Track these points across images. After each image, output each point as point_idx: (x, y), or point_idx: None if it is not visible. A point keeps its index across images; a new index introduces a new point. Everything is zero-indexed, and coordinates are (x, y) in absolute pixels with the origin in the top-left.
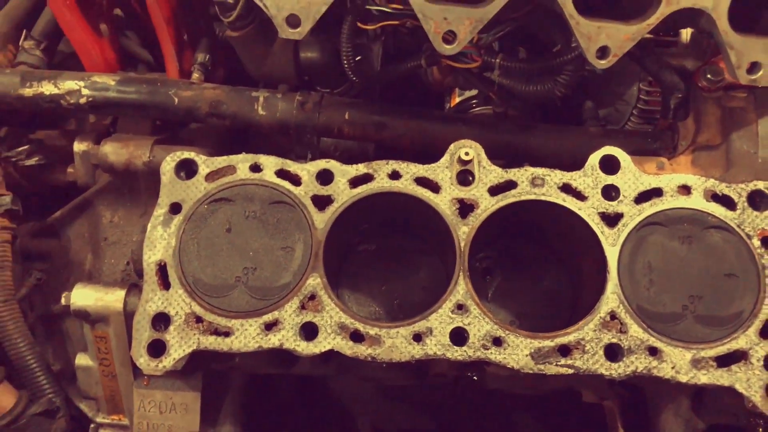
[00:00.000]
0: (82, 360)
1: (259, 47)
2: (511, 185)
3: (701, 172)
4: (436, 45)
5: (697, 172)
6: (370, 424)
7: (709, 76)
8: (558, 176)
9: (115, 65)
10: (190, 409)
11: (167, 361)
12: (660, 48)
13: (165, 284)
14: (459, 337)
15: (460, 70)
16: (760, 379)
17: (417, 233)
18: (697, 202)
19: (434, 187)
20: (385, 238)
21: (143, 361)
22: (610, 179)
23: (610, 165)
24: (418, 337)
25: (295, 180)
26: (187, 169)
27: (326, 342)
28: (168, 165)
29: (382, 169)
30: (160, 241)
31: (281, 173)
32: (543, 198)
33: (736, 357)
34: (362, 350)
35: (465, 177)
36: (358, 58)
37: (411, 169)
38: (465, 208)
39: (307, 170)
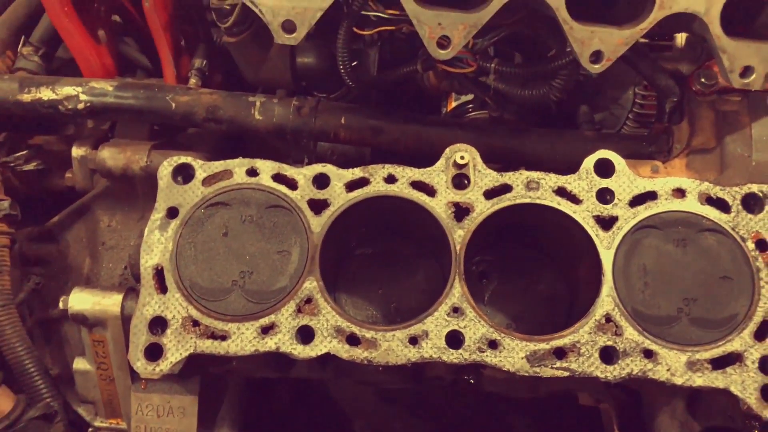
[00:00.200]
0: (79, 364)
1: (256, 53)
2: (506, 189)
3: (696, 176)
4: (430, 50)
5: (692, 175)
6: (367, 427)
7: (702, 80)
8: (553, 180)
9: (113, 71)
10: (187, 413)
11: (164, 365)
12: (655, 52)
13: (162, 288)
14: (455, 340)
15: (456, 75)
16: (755, 381)
17: (413, 237)
18: (691, 205)
19: (430, 191)
20: (382, 242)
21: (140, 364)
22: (605, 182)
23: (604, 168)
24: (414, 340)
25: (292, 184)
26: (184, 174)
27: (322, 345)
28: (165, 169)
29: (378, 173)
30: (157, 246)
31: (278, 177)
32: (538, 201)
33: (731, 359)
34: (358, 353)
35: (460, 181)
36: (355, 63)
37: (407, 173)
38: (460, 211)
39: (303, 174)
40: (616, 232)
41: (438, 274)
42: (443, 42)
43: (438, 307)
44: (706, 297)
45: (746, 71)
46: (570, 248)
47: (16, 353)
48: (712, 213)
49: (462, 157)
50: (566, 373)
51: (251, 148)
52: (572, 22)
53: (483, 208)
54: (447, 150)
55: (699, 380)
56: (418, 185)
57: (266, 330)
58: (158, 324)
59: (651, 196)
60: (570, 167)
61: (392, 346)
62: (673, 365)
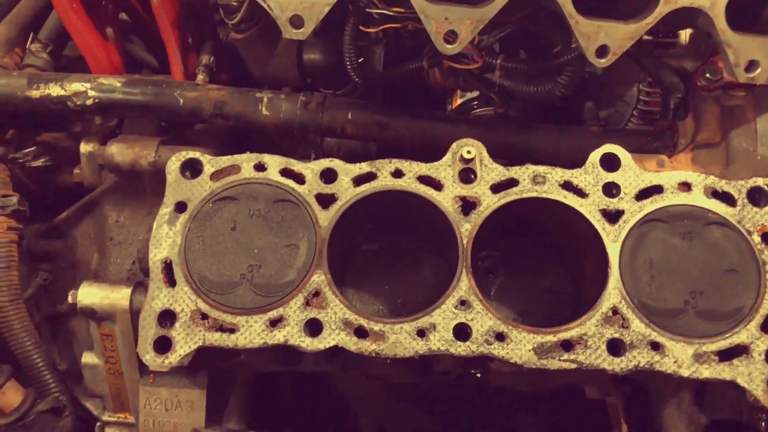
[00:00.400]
0: (88, 358)
1: (263, 49)
2: (512, 183)
3: (701, 170)
4: (437, 45)
5: (697, 169)
6: (373, 423)
7: (707, 75)
8: (559, 174)
9: (120, 68)
10: (195, 407)
11: (173, 357)
12: (659, 49)
13: (171, 282)
14: (462, 332)
15: (461, 72)
16: (761, 372)
17: (419, 232)
18: (697, 198)
19: (437, 185)
20: (389, 238)
21: (149, 357)
22: (611, 176)
23: (610, 162)
24: (421, 333)
25: (300, 179)
26: (192, 169)
27: (331, 338)
28: (173, 164)
29: (385, 167)
30: (165, 240)
31: (285, 172)
32: (544, 195)
33: (738, 351)
34: (366, 346)
35: (467, 175)
36: (361, 59)
37: (414, 168)
38: (467, 205)
39: (311, 169)
40: (622, 226)
41: (444, 270)
42: (450, 37)
43: (445, 300)
44: (712, 290)
45: (751, 65)
46: (575, 242)
47: (24, 348)
48: (717, 206)
49: (469, 152)
50: (573, 365)
51: (257, 146)
52: (578, 16)
53: (490, 202)
54: (454, 145)
55: (706, 372)
56: (425, 180)
57: (274, 323)
58: (167, 317)
59: (657, 189)
60: (575, 163)
61: (400, 339)
62: (680, 357)
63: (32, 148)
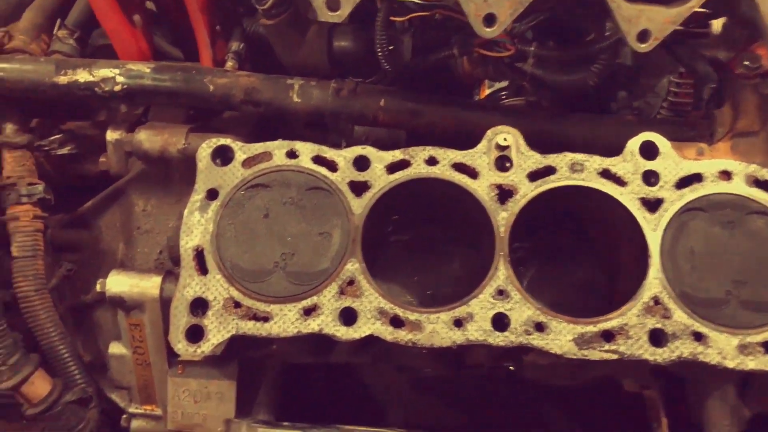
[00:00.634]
0: (115, 348)
1: (293, 36)
2: (550, 171)
3: (741, 159)
4: (476, 28)
5: (737, 158)
6: (400, 415)
7: (746, 62)
8: (597, 162)
9: (148, 55)
10: (225, 398)
11: (206, 346)
12: (692, 39)
13: (202, 270)
14: (500, 322)
15: (492, 60)
16: None
17: (451, 223)
18: (738, 187)
19: (472, 173)
20: (418, 229)
21: (181, 346)
22: (650, 165)
23: (649, 150)
24: (458, 323)
25: (332, 166)
26: (222, 156)
27: (366, 327)
28: (204, 151)
29: (418, 155)
30: (197, 227)
31: (318, 159)
32: (583, 183)
33: None
34: (402, 335)
35: (503, 163)
36: (391, 47)
37: (448, 155)
38: (504, 193)
39: (343, 156)
40: (662, 215)
41: (475, 262)
42: (489, 20)
43: (483, 289)
44: (755, 280)
45: None
46: (610, 232)
47: (50, 338)
48: (759, 195)
49: (505, 139)
50: (615, 356)
51: (283, 136)
52: (620, 0)
53: (527, 190)
54: (489, 132)
55: (751, 363)
56: (459, 167)
57: (309, 312)
58: (199, 305)
59: (697, 178)
60: (611, 152)
61: (437, 329)
62: (724, 348)
63: (58, 136)
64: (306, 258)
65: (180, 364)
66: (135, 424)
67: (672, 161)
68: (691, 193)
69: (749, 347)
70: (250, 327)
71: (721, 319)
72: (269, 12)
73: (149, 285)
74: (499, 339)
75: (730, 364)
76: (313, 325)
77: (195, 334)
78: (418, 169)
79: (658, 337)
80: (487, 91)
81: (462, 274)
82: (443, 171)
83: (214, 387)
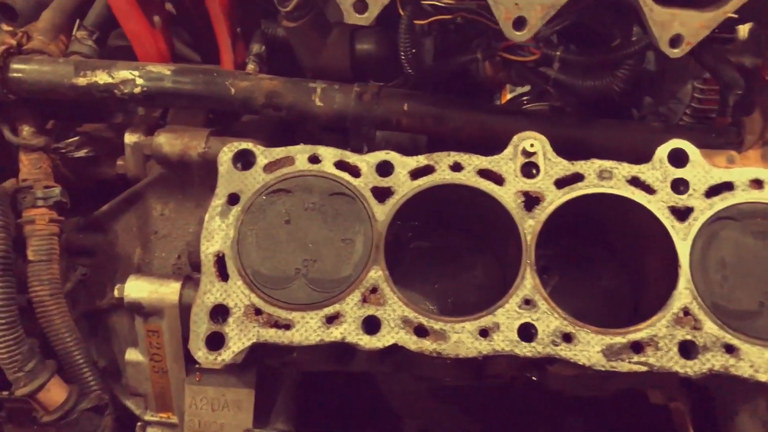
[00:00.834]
0: (132, 355)
1: (315, 39)
2: (577, 178)
3: None
4: (506, 31)
5: None
6: (418, 425)
7: None
8: (626, 169)
9: (167, 57)
10: (243, 407)
11: (226, 354)
12: (717, 45)
13: (223, 276)
14: (527, 332)
15: (515, 65)
16: None
17: (472, 230)
18: None
19: (498, 179)
20: (438, 236)
21: (202, 354)
22: (679, 173)
23: (678, 158)
24: (484, 333)
25: (355, 171)
26: (244, 160)
27: (389, 336)
28: (225, 155)
29: (443, 160)
30: (218, 232)
31: (340, 164)
32: (612, 191)
33: None
34: (427, 345)
35: (529, 169)
36: (414, 50)
37: (473, 161)
38: (530, 200)
39: (366, 162)
40: (692, 224)
41: (497, 270)
42: (519, 23)
43: (509, 298)
44: None
45: None
46: (639, 241)
47: (65, 344)
48: None
49: (532, 145)
50: (644, 368)
51: (302, 139)
52: (652, 4)
53: (554, 198)
54: (515, 137)
55: None
56: (485, 173)
57: (331, 319)
58: (219, 312)
59: (727, 186)
60: (637, 159)
61: (462, 338)
62: (756, 361)
63: (75, 139)
64: (328, 265)
65: (197, 371)
66: (150, 431)
67: (702, 169)
68: (721, 202)
69: None
70: (271, 335)
71: (754, 331)
72: (291, 14)
73: (168, 291)
74: (525, 350)
75: (763, 377)
76: (335, 334)
77: (215, 341)
78: (443, 175)
79: (688, 349)
80: (509, 96)
81: (484, 282)
82: (468, 177)
83: (231, 395)
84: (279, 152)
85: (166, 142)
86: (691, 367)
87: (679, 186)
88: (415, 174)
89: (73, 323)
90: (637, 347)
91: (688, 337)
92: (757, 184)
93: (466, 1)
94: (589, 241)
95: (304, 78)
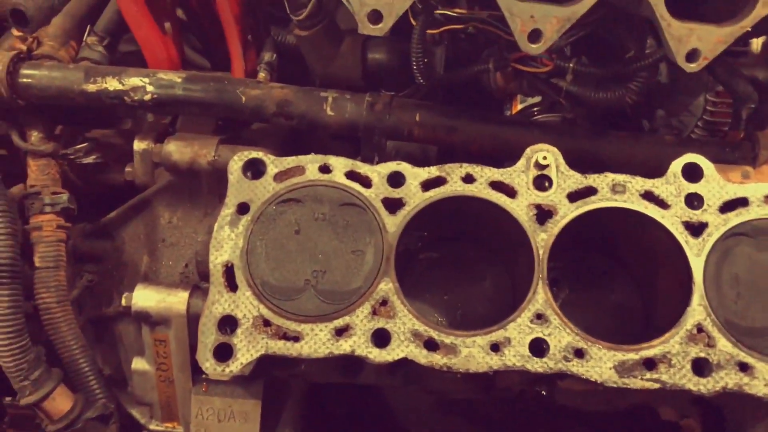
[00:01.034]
0: (138, 364)
1: (327, 48)
2: (590, 191)
3: None
4: (521, 44)
5: None
6: None
7: None
8: (639, 183)
9: (178, 64)
10: (249, 418)
11: (234, 366)
12: (731, 58)
13: (232, 286)
14: (538, 348)
15: (527, 76)
16: None
17: (482, 241)
18: None
19: (510, 192)
20: (447, 247)
21: (209, 365)
22: (694, 187)
23: (693, 173)
24: (495, 347)
25: (366, 182)
26: (254, 169)
27: (399, 350)
28: (236, 164)
29: (455, 172)
30: (227, 242)
31: (351, 175)
32: (625, 205)
33: None
34: (437, 359)
35: (542, 182)
36: (425, 60)
37: (485, 173)
38: (543, 214)
39: (377, 172)
40: (706, 239)
41: (507, 282)
42: (535, 36)
43: (521, 313)
44: None
45: None
46: (651, 256)
47: (70, 351)
48: None
49: (544, 158)
50: (657, 385)
51: (311, 146)
52: (670, 18)
53: (567, 211)
54: (528, 150)
55: None
56: (497, 186)
57: (340, 332)
58: (228, 323)
59: (742, 202)
60: (650, 173)
61: (473, 353)
62: None
63: (84, 145)
64: (338, 276)
65: (204, 381)
66: None
67: (716, 184)
68: (736, 218)
69: None
70: (280, 347)
71: None
72: (304, 23)
73: (176, 300)
74: (537, 365)
75: None
76: (345, 346)
77: (223, 352)
78: (455, 186)
79: (701, 367)
80: (520, 106)
81: (493, 294)
82: (480, 189)
83: (238, 406)
84: (289, 161)
85: (176, 150)
86: (704, 385)
87: (693, 201)
88: (427, 185)
89: (79, 331)
90: (649, 364)
91: (702, 355)
92: None
93: (478, 11)
94: (600, 254)
95: (313, 85)
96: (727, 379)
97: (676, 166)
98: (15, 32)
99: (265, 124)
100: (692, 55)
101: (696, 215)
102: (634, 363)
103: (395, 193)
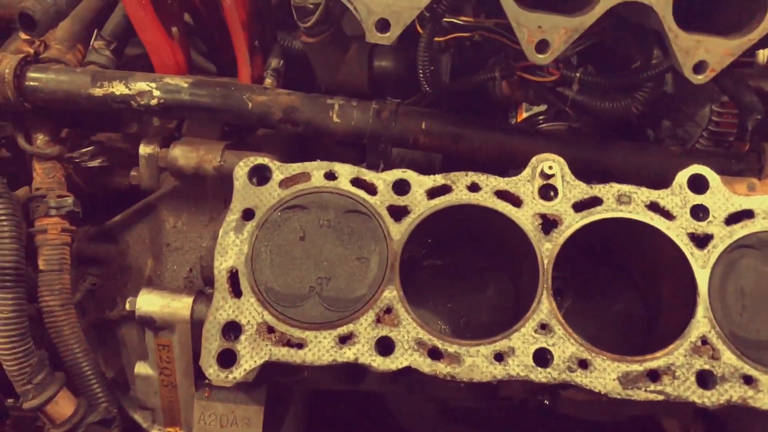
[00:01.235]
0: (141, 369)
1: (334, 55)
2: (596, 202)
3: None
4: (528, 54)
5: None
6: None
7: None
8: (645, 194)
9: (185, 68)
10: (252, 424)
11: (238, 372)
12: (737, 69)
13: (236, 292)
14: (542, 358)
15: (533, 84)
16: None
17: (486, 250)
18: None
19: (515, 201)
20: (451, 254)
21: (213, 371)
22: (699, 199)
23: (698, 184)
24: (499, 357)
25: (371, 189)
26: (259, 175)
27: (403, 358)
28: (241, 170)
29: (460, 180)
30: (232, 248)
31: (356, 182)
32: (630, 216)
33: None
34: (441, 368)
35: (547, 191)
36: (432, 68)
37: (491, 182)
38: (548, 223)
39: (383, 179)
40: (711, 251)
41: (510, 290)
42: (542, 46)
43: (525, 323)
44: None
45: None
46: (655, 266)
47: (73, 355)
48: None
49: (550, 167)
50: (661, 397)
51: (316, 152)
52: (678, 30)
53: (572, 221)
54: (534, 159)
55: None
56: (502, 195)
57: (344, 339)
58: (232, 329)
59: (747, 214)
60: (655, 183)
61: (477, 362)
62: None
63: (89, 148)
64: (342, 283)
65: (207, 387)
66: None
67: (722, 196)
68: (741, 230)
69: None
70: (283, 353)
71: None
72: (311, 30)
73: (180, 306)
74: (541, 375)
75: None
76: (348, 354)
77: (227, 358)
78: (460, 195)
79: (706, 380)
80: (525, 115)
81: (497, 302)
82: (486, 198)
83: (241, 412)
84: (295, 168)
85: (182, 154)
86: (708, 398)
87: (699, 212)
88: (432, 193)
89: (82, 335)
90: (654, 376)
91: (706, 367)
92: None
93: (485, 20)
94: (604, 263)
95: (319, 91)
96: (731, 392)
97: (682, 177)
98: (22, 35)
99: (271, 130)
100: (699, 67)
101: (701, 227)
102: (638, 374)
103: (400, 201)
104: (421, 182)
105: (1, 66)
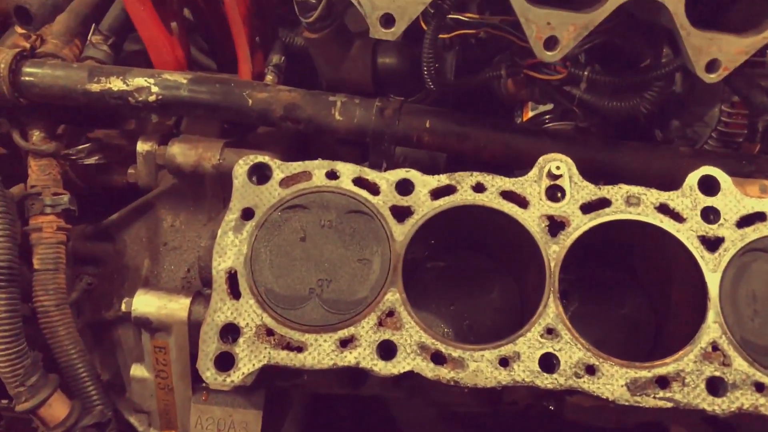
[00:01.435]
0: (137, 371)
1: (336, 51)
2: (604, 203)
3: None
4: (536, 51)
5: None
6: None
7: None
8: (654, 196)
9: (184, 64)
10: (250, 428)
11: (235, 376)
12: (747, 69)
13: (235, 294)
14: (549, 363)
15: (539, 83)
16: None
17: (490, 251)
18: None
19: (521, 202)
20: (454, 256)
21: (210, 374)
22: (710, 201)
23: (709, 186)
24: (504, 362)
25: (374, 189)
26: (259, 174)
27: (405, 362)
28: (241, 168)
29: (465, 180)
30: (230, 248)
31: (359, 181)
32: (640, 218)
33: None
34: (444, 373)
35: (554, 192)
36: (436, 65)
37: (496, 182)
38: (555, 225)
39: (386, 179)
40: (722, 255)
41: (515, 292)
42: (551, 43)
43: (531, 327)
44: None
45: None
46: (664, 270)
47: (68, 356)
48: None
49: (558, 167)
50: (670, 404)
51: (317, 151)
52: (690, 28)
53: (579, 223)
54: (540, 159)
55: None
56: (508, 195)
57: (345, 343)
58: (230, 332)
59: (759, 217)
60: (664, 185)
61: (481, 367)
62: None
63: (86, 145)
64: (344, 285)
65: (204, 390)
66: None
67: (733, 198)
68: (753, 233)
69: None
70: (282, 357)
71: None
72: (313, 25)
73: (177, 307)
74: (547, 381)
75: None
76: (349, 358)
77: (225, 362)
78: (464, 195)
79: (716, 386)
80: (531, 114)
81: (501, 305)
82: (491, 199)
83: (239, 416)
84: (296, 167)
85: (180, 152)
86: (719, 405)
87: (710, 215)
88: (436, 194)
89: (77, 335)
90: (662, 382)
91: (717, 374)
92: None
93: (491, 17)
94: (612, 266)
95: (321, 88)
96: (743, 400)
97: (693, 178)
98: (18, 30)
99: (272, 127)
100: (712, 66)
101: (712, 230)
102: (647, 381)
103: (404, 201)
104: (424, 182)
105: None
